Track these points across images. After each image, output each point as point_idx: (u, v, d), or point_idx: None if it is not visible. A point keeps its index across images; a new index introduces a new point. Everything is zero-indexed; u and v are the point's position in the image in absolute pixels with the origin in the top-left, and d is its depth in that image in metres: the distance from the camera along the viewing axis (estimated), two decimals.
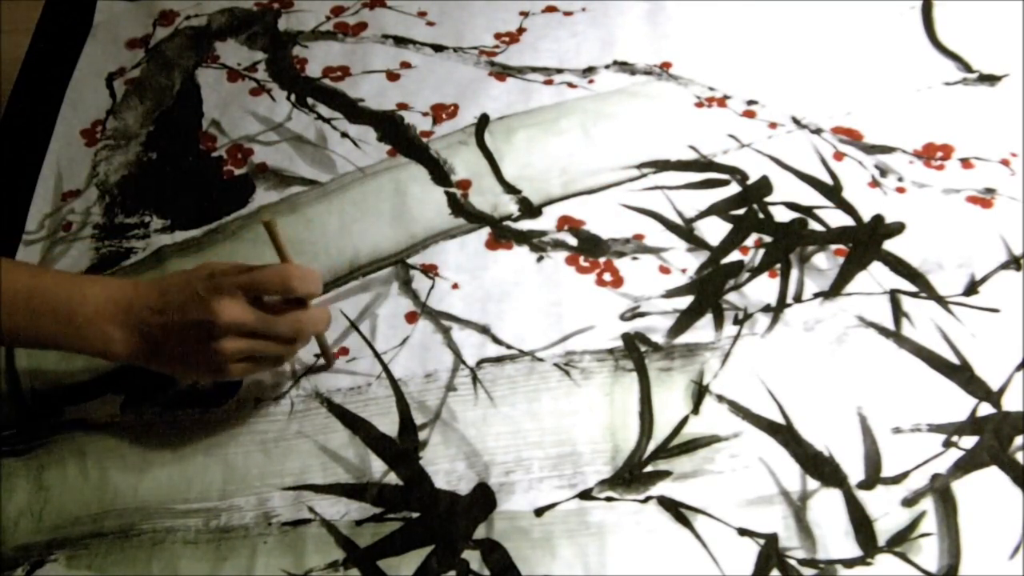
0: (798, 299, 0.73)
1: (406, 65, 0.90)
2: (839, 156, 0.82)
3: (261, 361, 0.64)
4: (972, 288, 0.73)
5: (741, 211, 0.79)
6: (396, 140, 0.85)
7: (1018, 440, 0.66)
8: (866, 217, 0.78)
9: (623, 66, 0.89)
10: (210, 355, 0.61)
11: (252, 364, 0.64)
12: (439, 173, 0.82)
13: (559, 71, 0.89)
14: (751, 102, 0.86)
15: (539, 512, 0.64)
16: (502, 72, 0.89)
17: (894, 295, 0.73)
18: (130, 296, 0.62)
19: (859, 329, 0.71)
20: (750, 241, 0.77)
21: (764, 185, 0.80)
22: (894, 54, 0.89)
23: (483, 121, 0.86)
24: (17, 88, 0.90)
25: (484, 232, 0.78)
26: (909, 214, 0.78)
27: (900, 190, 0.80)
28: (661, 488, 0.64)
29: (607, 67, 0.89)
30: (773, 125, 0.84)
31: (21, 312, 0.61)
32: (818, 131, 0.84)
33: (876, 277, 0.74)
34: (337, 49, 0.92)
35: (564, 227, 0.78)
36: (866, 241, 0.76)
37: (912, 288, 0.74)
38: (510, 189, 0.81)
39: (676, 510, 0.63)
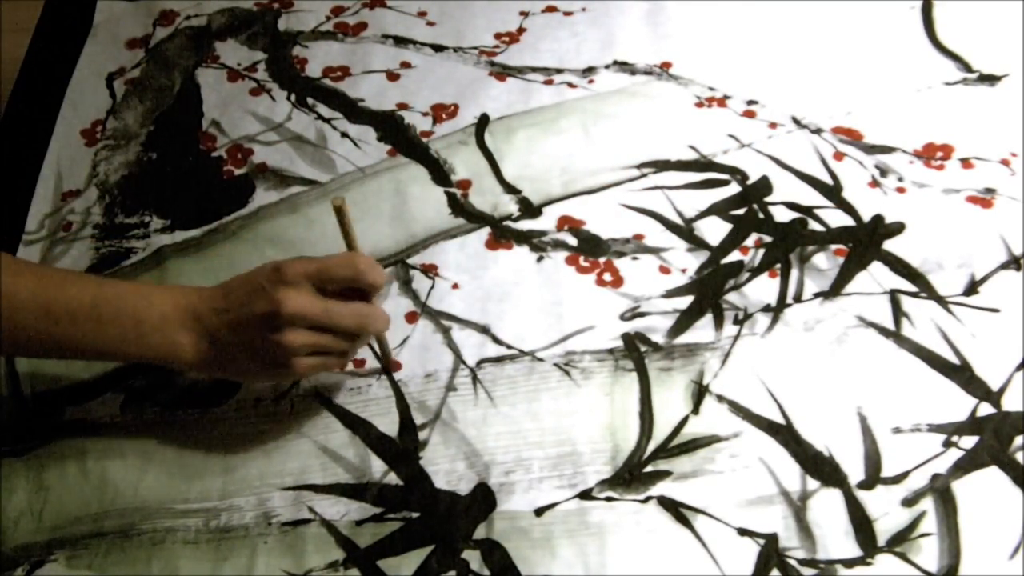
0: (798, 299, 0.73)
1: (406, 65, 0.91)
2: (839, 156, 0.82)
3: (326, 358, 0.63)
4: (972, 288, 0.73)
5: (741, 211, 0.79)
6: (396, 140, 0.85)
7: (1018, 440, 0.66)
8: (866, 217, 0.78)
9: (623, 66, 0.89)
10: (275, 349, 0.60)
11: (318, 361, 0.62)
12: (439, 173, 0.82)
13: (559, 71, 0.89)
14: (751, 102, 0.86)
15: (539, 512, 0.64)
16: (502, 72, 0.90)
17: (894, 295, 0.73)
18: (195, 300, 0.62)
19: (859, 329, 0.71)
20: (750, 241, 0.77)
21: (764, 185, 0.80)
22: (894, 54, 0.89)
23: (483, 121, 0.86)
24: (17, 88, 0.90)
25: (484, 232, 0.78)
26: (909, 214, 0.78)
27: (900, 190, 0.80)
28: (661, 488, 0.64)
29: (607, 67, 0.89)
30: (773, 125, 0.84)
31: (87, 321, 0.60)
32: (818, 131, 0.84)
33: (876, 277, 0.74)
34: (337, 49, 0.92)
35: (564, 227, 0.78)
36: (866, 241, 0.76)
37: (912, 288, 0.74)
38: (510, 189, 0.81)
39: (676, 510, 0.63)
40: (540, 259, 0.76)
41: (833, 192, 0.80)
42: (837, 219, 0.78)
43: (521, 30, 0.93)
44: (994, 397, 0.68)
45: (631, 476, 0.65)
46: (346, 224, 0.61)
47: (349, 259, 0.61)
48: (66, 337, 0.60)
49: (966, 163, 0.81)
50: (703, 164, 0.82)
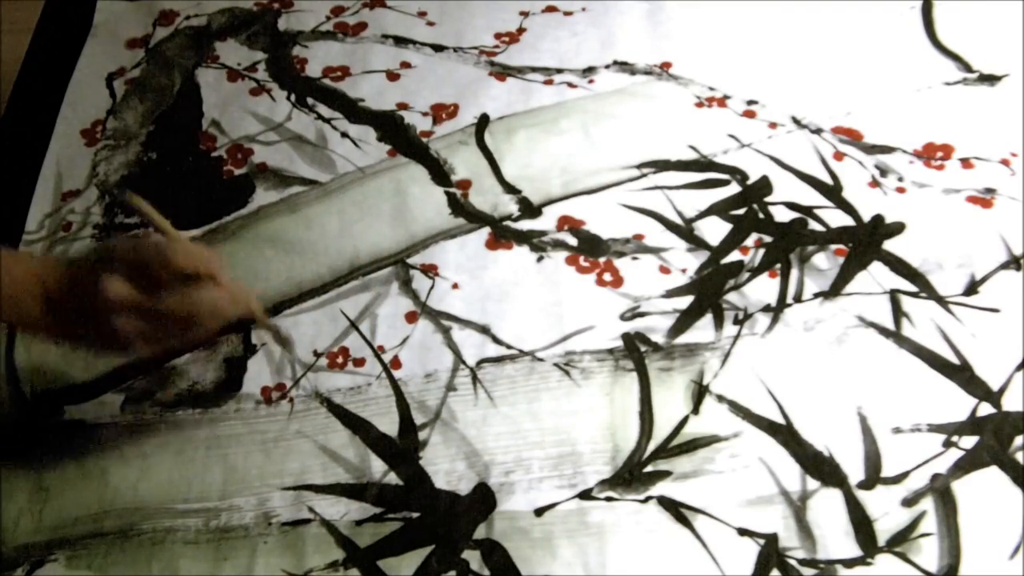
0: (798, 299, 0.73)
1: (406, 65, 0.90)
2: (839, 156, 0.82)
3: (164, 340, 0.61)
4: (972, 288, 0.73)
5: (741, 211, 0.79)
6: (396, 140, 0.85)
7: (1018, 440, 0.66)
8: (866, 217, 0.78)
9: (623, 66, 0.89)
10: (109, 333, 0.59)
11: (154, 342, 0.60)
12: (439, 173, 0.82)
13: (559, 71, 0.89)
14: (751, 102, 0.86)
15: (539, 512, 0.64)
16: (502, 72, 0.89)
17: (894, 295, 0.73)
18: (40, 271, 0.61)
19: (859, 329, 0.71)
20: (750, 241, 0.77)
21: (764, 185, 0.80)
22: (894, 54, 0.89)
23: (483, 121, 0.86)
24: (17, 88, 0.90)
25: (484, 232, 0.78)
26: (909, 214, 0.78)
27: (900, 190, 0.80)
28: (661, 488, 0.64)
29: (607, 67, 0.89)
30: (773, 125, 0.84)
31: None
32: (818, 131, 0.84)
33: (876, 277, 0.74)
34: (337, 49, 0.92)
35: (564, 227, 0.78)
36: (866, 241, 0.76)
37: (912, 288, 0.74)
38: (510, 189, 0.81)
39: (676, 510, 0.63)
40: (540, 259, 0.76)
41: (833, 192, 0.80)
42: (837, 219, 0.78)
43: (521, 30, 0.93)
44: (994, 397, 0.68)
45: (631, 476, 0.65)
46: (146, 213, 0.62)
47: (157, 244, 0.61)
48: None
49: (966, 163, 0.81)
50: (703, 164, 0.82)
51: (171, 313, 0.59)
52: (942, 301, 0.73)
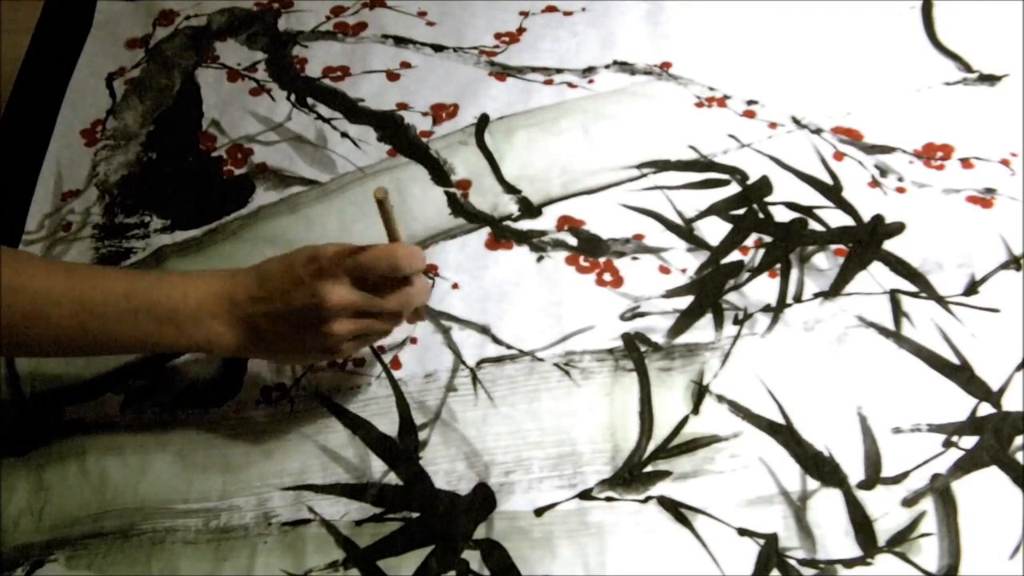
0: (798, 299, 0.73)
1: (406, 65, 0.90)
2: (839, 156, 0.82)
3: (370, 337, 0.64)
4: (972, 288, 0.73)
5: (741, 211, 0.79)
6: (396, 140, 0.85)
7: (1018, 440, 0.66)
8: (866, 217, 0.78)
9: (623, 66, 0.89)
10: (320, 338, 0.60)
11: (362, 340, 0.63)
12: (439, 173, 0.82)
13: (559, 71, 0.89)
14: (751, 102, 0.86)
15: (539, 512, 0.64)
16: (502, 72, 0.89)
17: (894, 295, 0.73)
18: (230, 288, 0.61)
19: (859, 329, 0.71)
20: (750, 241, 0.77)
21: (764, 185, 0.80)
22: (894, 54, 0.89)
23: (483, 121, 0.86)
24: (17, 88, 0.90)
25: (484, 232, 0.78)
26: (909, 214, 0.78)
27: (900, 190, 0.80)
28: (661, 488, 0.64)
29: (607, 67, 0.89)
30: (773, 125, 0.84)
31: (120, 315, 0.60)
32: (818, 131, 0.84)
33: (876, 277, 0.74)
34: (337, 49, 0.92)
35: (564, 227, 0.78)
36: (866, 241, 0.76)
37: (912, 288, 0.74)
38: (510, 189, 0.81)
39: (676, 510, 0.63)
40: (540, 259, 0.76)
41: (833, 192, 0.80)
42: (837, 219, 0.78)
43: (521, 30, 0.93)
44: (994, 397, 0.68)
45: (631, 476, 0.65)
46: (387, 214, 0.61)
47: (389, 252, 0.60)
48: (103, 331, 0.60)
49: (966, 163, 0.81)
50: (703, 164, 0.82)
51: (389, 311, 0.62)
52: (942, 301, 0.73)
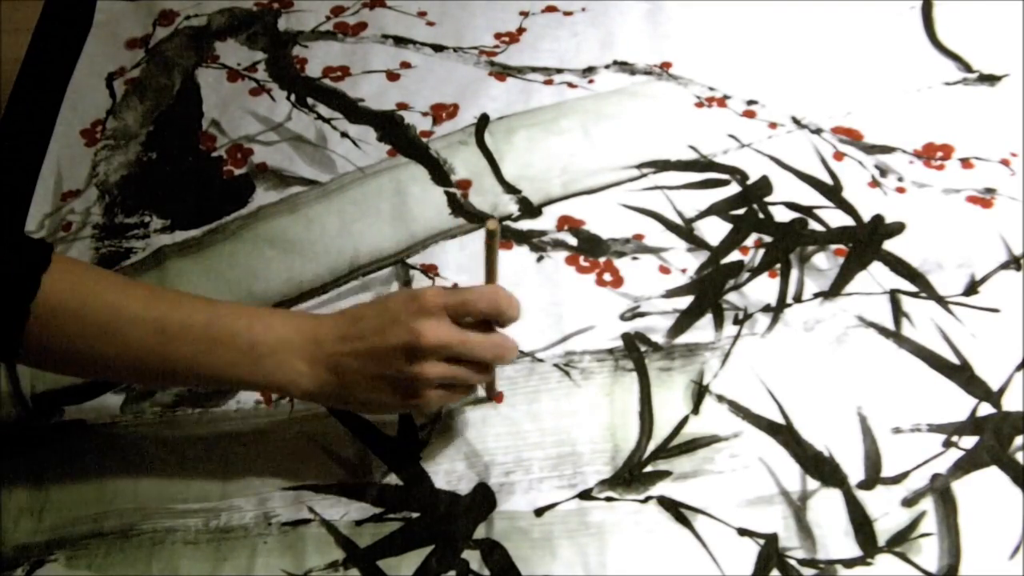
0: (798, 299, 0.73)
1: (406, 65, 0.90)
2: (839, 156, 0.82)
3: (455, 389, 0.61)
4: (972, 288, 0.73)
5: (741, 211, 0.79)
6: (396, 140, 0.85)
7: (1018, 440, 0.66)
8: (866, 217, 0.78)
9: (623, 66, 0.89)
10: (409, 381, 0.57)
11: (447, 392, 0.60)
12: (439, 173, 0.82)
13: (559, 71, 0.89)
14: (751, 102, 0.86)
15: (539, 512, 0.64)
16: (502, 72, 0.90)
17: (894, 295, 0.73)
18: (315, 327, 0.59)
19: (859, 329, 0.71)
20: (750, 241, 0.77)
21: (764, 185, 0.80)
22: (894, 54, 0.89)
23: (483, 121, 0.86)
24: (17, 88, 0.90)
25: (484, 232, 0.78)
26: (909, 214, 0.78)
27: (900, 190, 0.80)
28: (661, 488, 0.64)
29: (607, 67, 0.89)
30: (773, 125, 0.84)
31: (200, 341, 0.57)
32: (818, 131, 0.84)
33: (876, 277, 0.74)
34: (337, 49, 0.92)
35: (564, 227, 0.78)
36: (866, 241, 0.76)
37: (912, 288, 0.74)
38: (510, 189, 0.81)
39: (676, 510, 0.63)
40: (540, 259, 0.76)
41: (833, 192, 0.80)
42: (837, 219, 0.78)
43: (521, 30, 0.93)
44: (994, 397, 0.68)
45: (631, 476, 0.65)
46: (493, 252, 0.58)
47: (492, 294, 0.58)
48: (178, 357, 0.57)
49: (966, 163, 0.81)
50: (703, 164, 0.82)
51: (481, 359, 0.60)
52: (942, 301, 0.73)
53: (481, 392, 0.68)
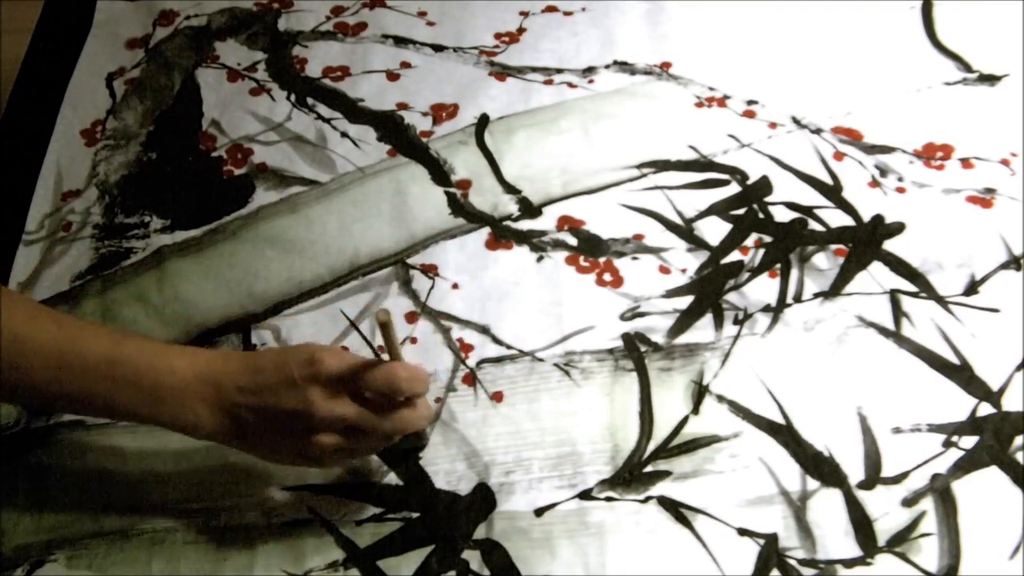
0: (798, 299, 0.73)
1: (406, 65, 0.90)
2: (839, 156, 0.82)
3: (354, 452, 0.60)
4: (972, 288, 0.73)
5: (741, 211, 0.79)
6: (396, 140, 0.85)
7: (1018, 440, 0.66)
8: (866, 217, 0.78)
9: (623, 66, 0.89)
10: (303, 446, 0.57)
11: (345, 455, 0.59)
12: (439, 173, 0.82)
13: (559, 71, 0.89)
14: (751, 102, 0.86)
15: (539, 512, 0.64)
16: (502, 72, 0.89)
17: (894, 295, 0.73)
18: (218, 373, 0.58)
19: (859, 329, 0.71)
20: (750, 241, 0.77)
21: (764, 185, 0.80)
22: (894, 54, 0.89)
23: (483, 121, 0.86)
24: (17, 88, 0.90)
25: (484, 232, 0.78)
26: (909, 214, 0.78)
27: (900, 190, 0.80)
28: (661, 488, 0.64)
29: (607, 67, 0.89)
30: (773, 125, 0.84)
31: (102, 380, 0.57)
32: (818, 131, 0.84)
33: (876, 277, 0.74)
34: (337, 49, 0.92)
35: (564, 227, 0.78)
36: (866, 241, 0.76)
37: (912, 288, 0.74)
38: (510, 189, 0.81)
39: (676, 510, 0.63)
40: (540, 259, 0.76)
41: (833, 192, 0.80)
42: (837, 219, 0.78)
43: (521, 30, 0.93)
44: (994, 397, 0.68)
45: (631, 476, 0.65)
46: (389, 337, 0.57)
47: (389, 372, 0.57)
48: (78, 392, 0.57)
49: (966, 163, 0.81)
50: (703, 164, 0.82)
51: (383, 433, 0.59)
52: (942, 301, 0.73)
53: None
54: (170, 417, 0.58)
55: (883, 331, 0.71)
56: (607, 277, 0.75)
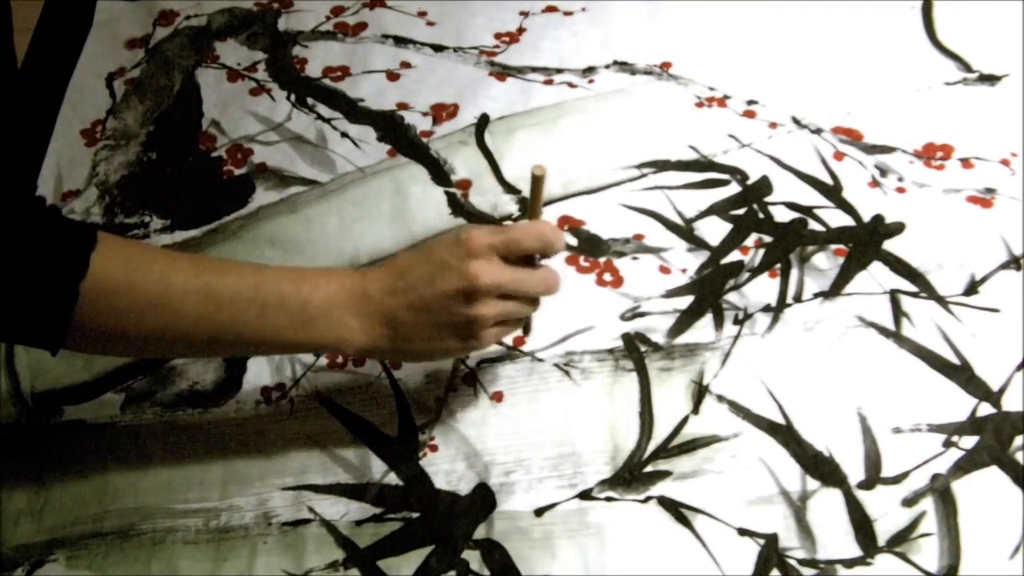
0: (798, 299, 0.73)
1: (406, 65, 0.91)
2: (839, 156, 0.82)
3: (507, 324, 0.61)
4: (972, 288, 0.73)
5: (741, 211, 0.79)
6: (396, 140, 0.85)
7: (1018, 440, 0.66)
8: (866, 217, 0.78)
9: (623, 66, 0.89)
10: (466, 324, 0.58)
11: (501, 328, 0.61)
12: (439, 173, 0.82)
13: (559, 71, 0.89)
14: (751, 102, 0.86)
15: (539, 512, 0.64)
16: (502, 72, 0.90)
17: (894, 295, 0.73)
18: (363, 283, 0.59)
19: (859, 329, 0.71)
20: (750, 241, 0.77)
21: (764, 185, 0.80)
22: (894, 54, 0.89)
23: (483, 121, 0.86)
24: (17, 88, 0.90)
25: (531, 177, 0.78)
26: (909, 214, 0.78)
27: (900, 190, 0.80)
28: (661, 488, 0.64)
29: (607, 67, 0.89)
30: (773, 125, 0.84)
31: (250, 307, 0.57)
32: (818, 131, 0.84)
33: (876, 277, 0.74)
34: (337, 49, 0.92)
35: (564, 227, 0.78)
36: (866, 241, 0.76)
37: (912, 288, 0.74)
38: (510, 189, 0.81)
39: (676, 510, 0.63)
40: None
41: (833, 192, 0.80)
42: (837, 219, 0.78)
43: (521, 30, 0.93)
44: (994, 397, 0.68)
45: (631, 476, 0.65)
46: (538, 193, 0.59)
47: (537, 228, 0.59)
48: (230, 324, 0.56)
49: (966, 163, 0.81)
50: (703, 164, 0.82)
51: (534, 294, 0.61)
52: (942, 301, 0.73)
53: (518, 332, 0.68)
54: (323, 336, 0.58)
55: (883, 331, 0.71)
56: (607, 277, 0.75)
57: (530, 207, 0.60)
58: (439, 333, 0.59)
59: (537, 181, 0.59)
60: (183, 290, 0.56)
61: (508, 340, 0.71)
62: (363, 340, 0.59)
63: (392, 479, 0.65)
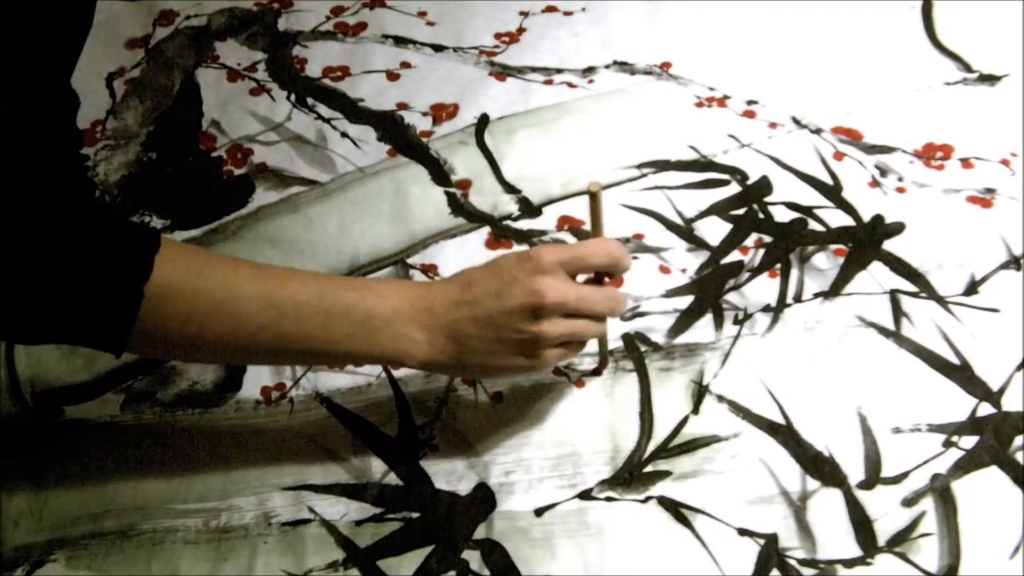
0: (798, 299, 0.73)
1: (406, 65, 0.91)
2: (839, 156, 0.82)
3: (571, 345, 0.61)
4: (972, 288, 0.73)
5: (741, 211, 0.79)
6: (396, 140, 0.85)
7: (1018, 440, 0.66)
8: (866, 217, 0.78)
9: (623, 66, 0.89)
10: (530, 340, 0.57)
11: (565, 349, 0.60)
12: (439, 173, 0.82)
13: (559, 71, 0.89)
14: (751, 102, 0.86)
15: (539, 512, 0.64)
16: (502, 72, 0.90)
17: (894, 295, 0.73)
18: (428, 296, 0.58)
19: (859, 329, 0.71)
20: (750, 241, 0.77)
21: (764, 185, 0.80)
22: (894, 54, 0.89)
23: (483, 121, 0.86)
24: None
25: (484, 232, 0.78)
26: (909, 214, 0.78)
27: (900, 190, 0.80)
28: (661, 488, 0.64)
29: (607, 67, 0.89)
30: (773, 125, 0.84)
31: (313, 316, 0.56)
32: (818, 131, 0.84)
33: (876, 277, 0.74)
34: (337, 49, 0.92)
35: (564, 227, 0.78)
36: (866, 241, 0.76)
37: (912, 288, 0.74)
38: (510, 189, 0.81)
39: (676, 510, 0.63)
40: None
41: (833, 192, 0.80)
42: (837, 219, 0.78)
43: (521, 30, 0.93)
44: (994, 397, 0.68)
45: (631, 476, 0.65)
46: (598, 210, 0.59)
47: (606, 246, 0.59)
48: (292, 333, 0.56)
49: (966, 163, 0.81)
50: (703, 164, 0.82)
51: (599, 313, 0.60)
52: (942, 301, 0.73)
53: (592, 363, 0.69)
54: (386, 348, 0.58)
55: (883, 331, 0.71)
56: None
57: (592, 225, 0.60)
58: (503, 349, 0.58)
59: (595, 198, 0.59)
60: (245, 297, 0.55)
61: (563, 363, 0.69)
62: (426, 353, 0.58)
63: (392, 479, 0.65)
